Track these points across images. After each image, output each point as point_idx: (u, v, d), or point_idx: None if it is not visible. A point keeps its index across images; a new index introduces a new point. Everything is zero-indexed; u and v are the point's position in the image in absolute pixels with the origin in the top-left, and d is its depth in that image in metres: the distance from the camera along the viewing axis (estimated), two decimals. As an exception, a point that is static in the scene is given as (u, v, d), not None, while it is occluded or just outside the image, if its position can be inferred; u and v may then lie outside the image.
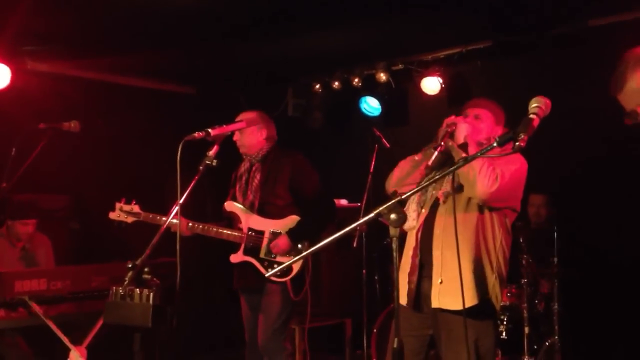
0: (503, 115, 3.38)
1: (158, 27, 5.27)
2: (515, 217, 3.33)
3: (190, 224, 4.13)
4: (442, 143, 3.15)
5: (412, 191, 2.22)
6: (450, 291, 3.10)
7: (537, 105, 2.21)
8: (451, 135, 3.23)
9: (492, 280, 3.15)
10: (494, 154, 2.14)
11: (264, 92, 6.97)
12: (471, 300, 3.07)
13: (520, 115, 2.25)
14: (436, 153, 3.14)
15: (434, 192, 3.27)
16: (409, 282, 3.25)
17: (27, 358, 4.83)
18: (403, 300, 3.23)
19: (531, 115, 2.17)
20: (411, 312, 3.25)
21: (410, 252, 3.29)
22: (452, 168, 2.29)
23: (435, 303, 3.15)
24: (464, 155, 3.02)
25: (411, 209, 3.29)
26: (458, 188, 3.14)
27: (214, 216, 4.49)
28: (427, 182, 2.47)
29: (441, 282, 3.14)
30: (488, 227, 3.18)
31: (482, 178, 3.01)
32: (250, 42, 5.71)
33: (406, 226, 3.29)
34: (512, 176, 3.08)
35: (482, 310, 3.11)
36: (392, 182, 3.44)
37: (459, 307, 2.99)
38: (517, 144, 2.08)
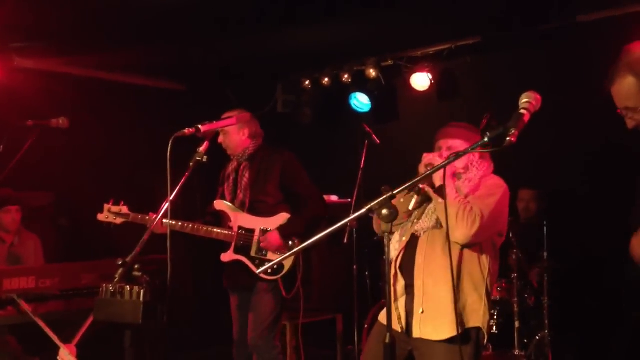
0: (476, 136, 3.28)
1: (147, 24, 5.24)
2: (503, 240, 3.28)
3: (179, 224, 4.10)
4: (422, 189, 3.10)
5: (406, 185, 2.22)
6: (432, 321, 3.04)
7: (527, 101, 2.21)
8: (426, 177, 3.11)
9: (480, 308, 3.06)
10: (485, 150, 2.13)
11: (254, 88, 6.96)
12: (453, 331, 2.98)
13: (510, 110, 2.25)
14: (414, 200, 3.11)
15: (415, 221, 3.22)
16: (395, 309, 3.18)
17: (17, 356, 4.81)
18: (396, 326, 3.11)
19: (522, 111, 2.18)
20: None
21: (391, 280, 3.19)
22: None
23: (416, 333, 3.08)
24: (440, 200, 3.01)
25: (395, 240, 3.26)
26: (438, 225, 3.12)
27: (203, 214, 4.48)
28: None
29: (422, 312, 3.08)
30: (474, 256, 3.10)
31: (460, 224, 2.97)
32: (239, 39, 5.69)
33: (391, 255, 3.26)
34: (493, 212, 3.03)
35: (466, 340, 3.03)
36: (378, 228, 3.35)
37: (440, 337, 3.00)
38: (507, 139, 2.09)
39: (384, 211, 2.23)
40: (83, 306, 4.21)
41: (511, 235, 4.92)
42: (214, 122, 2.99)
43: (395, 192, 2.24)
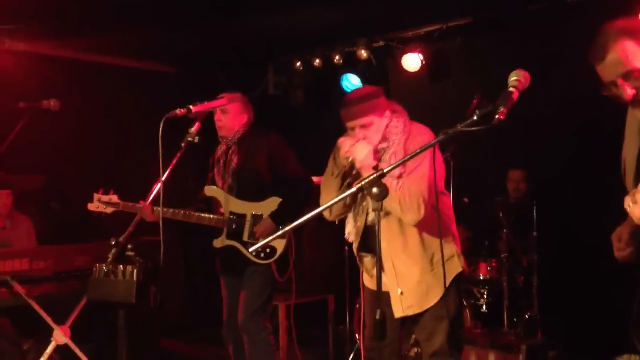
0: (380, 99, 3.15)
1: (137, 6, 5.21)
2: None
3: (170, 211, 4.09)
4: (354, 185, 3.02)
5: (396, 164, 2.25)
6: (414, 298, 3.14)
7: (516, 79, 2.22)
8: (357, 173, 3.08)
9: (454, 257, 3.20)
10: (474, 128, 2.15)
11: (244, 70, 6.94)
12: (436, 298, 3.13)
13: (501, 90, 2.27)
14: (352, 190, 3.11)
15: (364, 204, 3.19)
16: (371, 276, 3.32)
17: (12, 338, 4.82)
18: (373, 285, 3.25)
19: (510, 89, 2.19)
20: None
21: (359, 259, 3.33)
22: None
23: (399, 313, 3.16)
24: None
25: (350, 224, 3.29)
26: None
27: (195, 200, 4.47)
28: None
29: (402, 294, 3.14)
30: (434, 215, 3.04)
31: (406, 213, 2.99)
32: (230, 20, 5.67)
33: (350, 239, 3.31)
34: (430, 180, 2.99)
35: (450, 290, 3.16)
36: (330, 218, 3.38)
37: (425, 307, 3.13)
38: (496, 117, 2.10)
39: (375, 190, 2.25)
40: (76, 288, 4.24)
41: (501, 215, 4.97)
42: (206, 102, 2.99)
43: (385, 170, 2.26)
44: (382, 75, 6.45)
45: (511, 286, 4.93)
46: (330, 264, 5.87)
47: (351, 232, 3.28)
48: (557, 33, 5.26)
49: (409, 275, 3.12)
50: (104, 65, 6.47)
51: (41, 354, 4.24)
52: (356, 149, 3.00)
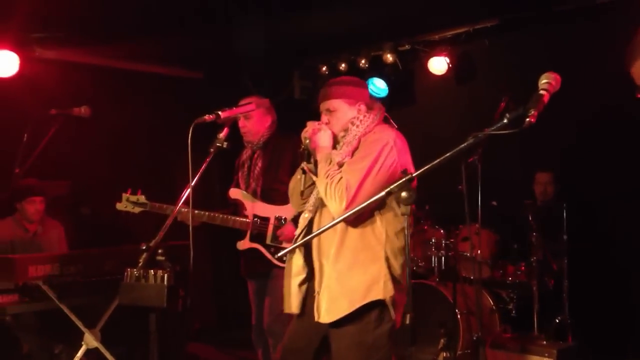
0: (358, 90, 3.08)
1: (164, 12, 5.28)
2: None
3: (196, 212, 4.12)
4: (303, 168, 3.00)
5: (424, 168, 2.23)
6: (326, 302, 2.92)
7: (547, 81, 2.19)
8: (308, 153, 3.00)
9: (380, 280, 2.87)
10: (504, 132, 2.13)
11: (271, 75, 6.97)
12: (343, 311, 2.86)
13: (529, 92, 2.24)
14: (301, 176, 3.04)
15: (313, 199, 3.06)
16: (285, 287, 3.12)
17: (43, 341, 4.89)
18: (291, 308, 3.08)
19: (541, 91, 2.16)
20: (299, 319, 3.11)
21: (288, 256, 3.13)
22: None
23: (316, 317, 2.96)
24: (315, 177, 2.91)
25: (301, 218, 3.14)
26: (323, 203, 2.98)
27: (221, 201, 4.51)
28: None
29: (317, 294, 2.97)
30: (366, 226, 2.90)
31: (329, 200, 2.85)
32: (256, 26, 5.71)
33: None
34: (366, 177, 2.83)
35: (362, 317, 2.88)
36: (295, 209, 3.30)
37: (333, 317, 2.88)
38: (527, 120, 2.08)
39: (403, 194, 2.24)
40: (106, 292, 4.28)
41: (530, 218, 4.91)
42: (234, 108, 3.00)
43: (414, 174, 2.25)
44: (408, 79, 6.45)
45: (541, 290, 4.87)
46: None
47: (300, 225, 3.13)
48: (584, 34, 5.20)
49: (331, 277, 2.92)
50: (131, 71, 6.54)
51: (72, 358, 4.29)
52: (316, 132, 2.96)
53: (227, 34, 5.95)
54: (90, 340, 4.21)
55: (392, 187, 2.25)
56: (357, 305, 2.86)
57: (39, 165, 3.72)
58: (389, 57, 6.18)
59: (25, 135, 3.45)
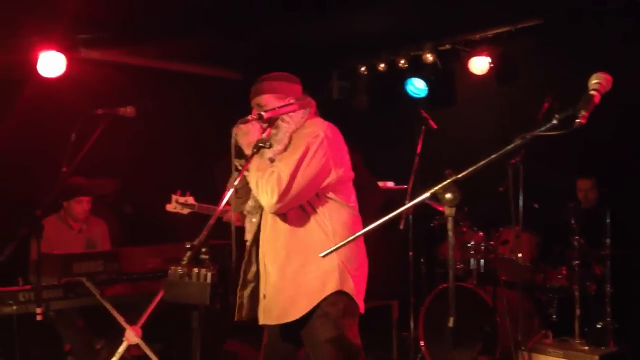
0: (288, 85, 3.09)
1: (204, 13, 5.33)
2: (347, 179, 2.99)
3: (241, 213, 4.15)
4: (236, 164, 2.95)
5: (470, 170, 2.20)
6: (276, 304, 2.91)
7: (597, 82, 2.15)
8: (238, 150, 2.94)
9: (335, 272, 2.86)
10: (553, 133, 2.09)
11: (309, 75, 6.97)
12: (303, 309, 2.86)
13: (573, 93, 2.21)
14: (237, 175, 2.94)
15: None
16: (239, 297, 3.06)
17: (85, 337, 4.98)
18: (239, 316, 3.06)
19: (592, 92, 2.12)
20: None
21: (243, 266, 3.08)
22: None
23: (260, 319, 2.98)
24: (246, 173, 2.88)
25: (248, 222, 3.11)
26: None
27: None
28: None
29: (264, 297, 2.96)
30: (309, 220, 2.89)
31: (260, 194, 2.81)
32: (294, 25, 5.72)
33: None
34: (296, 170, 2.79)
35: (318, 308, 2.86)
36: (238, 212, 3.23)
37: (290, 318, 2.87)
38: (577, 121, 2.04)
39: (448, 195, 2.22)
40: (148, 289, 4.35)
41: (573, 222, 4.83)
42: (276, 108, 3.01)
43: (459, 175, 2.23)
44: (448, 79, 6.40)
45: (583, 295, 4.78)
46: (394, 270, 5.83)
47: (249, 230, 3.10)
48: (630, 34, 5.09)
49: (278, 278, 2.91)
50: (173, 72, 6.61)
51: (113, 353, 4.36)
52: (244, 128, 2.92)
53: (265, 34, 5.98)
54: (131, 337, 4.28)
55: (436, 188, 2.23)
56: (317, 301, 2.85)
57: (85, 164, 3.77)
58: (429, 57, 6.14)
59: (73, 134, 3.51)
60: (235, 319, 3.07)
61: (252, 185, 2.87)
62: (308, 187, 2.84)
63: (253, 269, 3.05)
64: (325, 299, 2.86)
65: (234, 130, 2.89)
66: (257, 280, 3.03)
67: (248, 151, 2.90)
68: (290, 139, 2.94)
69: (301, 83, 3.18)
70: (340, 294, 2.88)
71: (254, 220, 3.08)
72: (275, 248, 2.94)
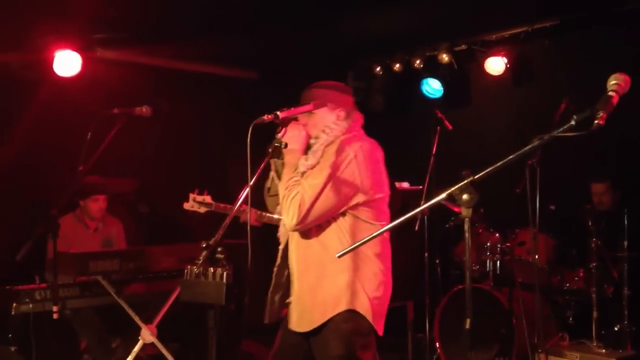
0: (340, 95, 3.07)
1: (220, 14, 5.33)
2: (380, 200, 2.94)
3: (258, 213, 4.16)
4: (272, 169, 2.98)
5: (486, 171, 2.18)
6: (296, 312, 2.92)
7: (616, 82, 2.12)
8: (279, 151, 2.90)
9: (347, 292, 2.83)
10: (571, 134, 2.07)
11: (324, 75, 6.96)
12: (315, 322, 2.85)
13: (590, 94, 2.18)
14: (271, 177, 3.01)
15: None
16: (271, 302, 3.07)
17: (101, 335, 5.00)
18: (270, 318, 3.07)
19: (610, 93, 2.09)
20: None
21: (275, 269, 3.09)
22: None
23: (290, 324, 2.97)
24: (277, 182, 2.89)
25: (281, 223, 3.07)
26: None
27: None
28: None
29: (289, 302, 2.98)
30: (333, 237, 2.86)
31: (284, 212, 2.83)
32: (310, 26, 5.72)
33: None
34: (320, 193, 2.76)
35: (331, 324, 2.83)
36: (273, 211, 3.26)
37: (304, 329, 2.88)
38: (595, 122, 2.02)
39: (465, 196, 2.20)
40: (163, 288, 4.37)
41: (590, 224, 4.79)
42: (292, 108, 3.00)
43: (476, 176, 2.21)
44: (464, 79, 6.37)
45: (600, 297, 4.74)
46: (410, 271, 5.81)
47: (282, 233, 3.09)
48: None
49: (302, 286, 2.91)
50: (188, 72, 6.63)
51: (128, 352, 4.38)
52: (291, 132, 2.88)
53: (281, 35, 5.98)
54: (146, 336, 4.29)
55: (453, 189, 2.21)
56: (329, 316, 2.83)
57: (101, 163, 3.79)
58: (445, 57, 6.12)
59: (89, 133, 3.53)
60: (266, 322, 3.07)
61: (280, 198, 2.89)
62: (330, 210, 2.83)
63: (285, 274, 3.04)
64: (338, 314, 2.84)
65: (279, 134, 2.85)
66: (289, 286, 3.03)
67: (285, 157, 2.91)
68: (323, 152, 2.91)
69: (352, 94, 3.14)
70: (353, 313, 2.84)
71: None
72: (298, 256, 2.94)
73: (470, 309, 2.28)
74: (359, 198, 2.86)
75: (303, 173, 2.88)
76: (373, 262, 2.93)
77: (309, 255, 2.90)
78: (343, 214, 2.88)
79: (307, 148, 2.97)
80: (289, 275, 3.03)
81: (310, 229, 2.87)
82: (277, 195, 3.04)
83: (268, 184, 3.13)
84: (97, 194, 5.27)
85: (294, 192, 2.80)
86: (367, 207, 2.90)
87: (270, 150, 2.90)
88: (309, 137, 2.97)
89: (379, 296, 2.93)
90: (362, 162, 2.86)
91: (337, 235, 2.87)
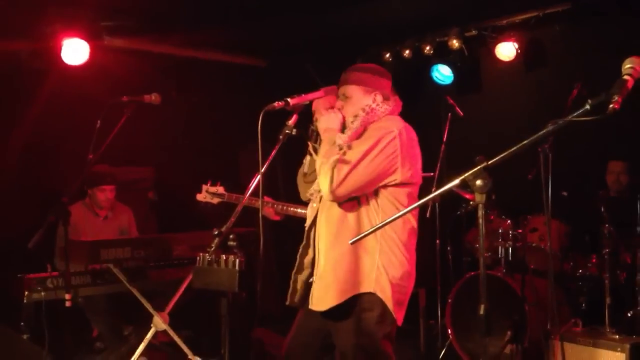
0: (378, 79, 3.04)
1: (229, 0, 5.31)
2: (413, 184, 2.92)
3: (280, 206, 4.15)
4: (309, 149, 2.97)
5: (500, 156, 2.16)
6: (318, 290, 2.89)
7: (631, 66, 2.10)
8: (316, 134, 2.98)
9: (372, 273, 2.82)
10: (586, 118, 2.04)
11: (333, 62, 6.93)
12: (334, 300, 2.82)
13: (602, 79, 2.15)
14: (307, 159, 3.00)
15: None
16: (294, 282, 3.06)
17: (113, 323, 5.03)
18: (291, 300, 3.05)
19: (625, 77, 2.07)
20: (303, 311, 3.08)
21: (300, 250, 3.07)
22: None
23: (310, 304, 2.94)
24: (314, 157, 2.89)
25: (310, 207, 3.09)
26: None
27: (285, 193, 4.52)
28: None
29: (313, 282, 2.94)
30: (362, 215, 2.85)
31: (322, 179, 2.80)
32: (318, 12, 5.68)
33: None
34: (359, 161, 2.76)
35: (352, 308, 2.83)
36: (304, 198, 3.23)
37: (323, 307, 2.84)
38: (610, 106, 1.99)
39: (478, 182, 2.18)
40: (175, 276, 4.38)
41: (602, 210, 4.75)
42: (303, 94, 2.98)
43: (490, 162, 2.19)
44: (474, 65, 6.32)
45: (613, 283, 4.71)
46: (422, 258, 5.78)
47: (309, 215, 3.09)
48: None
49: (327, 264, 2.88)
50: (197, 59, 6.61)
51: (141, 339, 4.40)
52: (326, 114, 2.91)
53: (290, 22, 5.94)
54: (159, 323, 4.31)
55: (466, 175, 2.19)
56: (348, 296, 2.81)
57: (110, 152, 3.79)
58: (455, 43, 6.06)
59: (99, 121, 3.52)
60: (287, 304, 3.06)
61: (317, 169, 2.88)
62: (368, 180, 2.81)
63: (310, 254, 3.02)
64: (359, 297, 2.83)
65: (315, 117, 2.89)
66: (313, 267, 3.00)
67: (323, 137, 2.92)
68: (364, 129, 2.91)
69: (391, 79, 3.12)
70: (376, 299, 2.83)
71: (314, 205, 3.05)
72: (326, 232, 2.91)
73: (485, 296, 2.26)
74: (396, 176, 2.85)
75: (340, 147, 2.87)
76: (400, 249, 2.90)
77: (338, 230, 2.87)
78: (377, 194, 2.86)
79: (344, 128, 2.97)
80: (314, 256, 3.00)
81: (343, 203, 2.85)
82: (313, 181, 3.04)
83: (305, 168, 3.11)
84: (104, 185, 5.27)
85: (333, 159, 2.79)
86: (402, 190, 2.88)
87: (281, 137, 2.89)
88: (344, 119, 2.98)
89: (402, 284, 2.90)
90: (405, 142, 2.87)
91: (366, 213, 2.86)
